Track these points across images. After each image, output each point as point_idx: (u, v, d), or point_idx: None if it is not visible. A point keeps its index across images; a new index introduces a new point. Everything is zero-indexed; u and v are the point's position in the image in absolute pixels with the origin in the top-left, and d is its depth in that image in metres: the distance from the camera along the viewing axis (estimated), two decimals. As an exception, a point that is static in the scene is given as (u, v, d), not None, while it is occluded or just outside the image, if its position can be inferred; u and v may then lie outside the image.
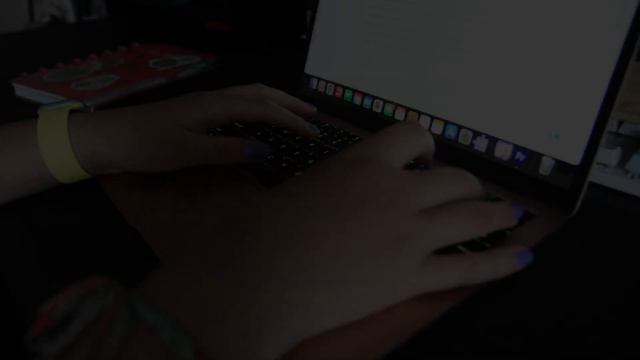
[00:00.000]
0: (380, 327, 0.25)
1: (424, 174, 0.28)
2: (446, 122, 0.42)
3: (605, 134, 0.32)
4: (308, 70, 0.57)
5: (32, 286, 0.33)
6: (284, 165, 0.43)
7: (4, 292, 0.34)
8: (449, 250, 0.27)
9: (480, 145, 0.39)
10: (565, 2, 0.34)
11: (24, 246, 0.36)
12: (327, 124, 0.51)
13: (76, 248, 0.35)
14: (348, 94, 0.51)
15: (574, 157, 0.34)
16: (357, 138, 0.47)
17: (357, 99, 0.50)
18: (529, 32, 0.36)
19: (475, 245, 0.31)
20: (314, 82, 0.56)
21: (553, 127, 0.35)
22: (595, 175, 0.39)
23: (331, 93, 0.53)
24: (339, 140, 0.47)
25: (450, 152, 0.41)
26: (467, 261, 0.27)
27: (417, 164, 0.36)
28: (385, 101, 0.48)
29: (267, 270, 0.23)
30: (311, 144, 0.46)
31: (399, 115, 0.46)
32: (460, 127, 0.41)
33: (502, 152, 0.38)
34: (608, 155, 0.39)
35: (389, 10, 0.47)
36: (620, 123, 0.43)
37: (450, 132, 0.42)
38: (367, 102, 0.49)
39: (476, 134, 0.40)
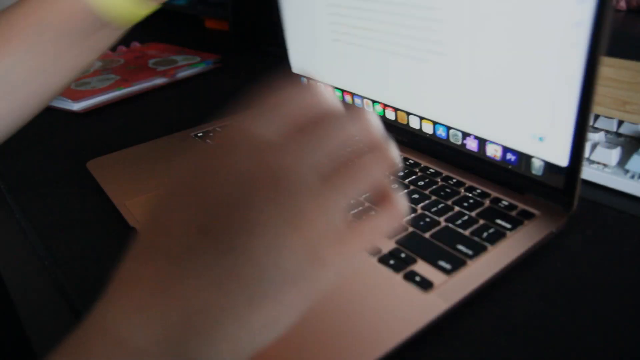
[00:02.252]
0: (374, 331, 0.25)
1: None
2: (435, 122, 0.42)
3: (587, 133, 0.31)
4: (296, 70, 0.56)
5: (32, 286, 0.33)
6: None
7: (3, 292, 0.34)
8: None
9: (471, 145, 0.39)
10: (525, 4, 0.32)
11: (23, 247, 0.36)
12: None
13: (76, 248, 0.35)
14: (337, 93, 0.51)
15: (562, 159, 0.33)
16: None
17: (348, 98, 0.50)
18: (497, 34, 0.35)
19: (475, 247, 0.31)
20: (305, 82, 0.56)
21: (535, 129, 0.34)
22: (595, 175, 0.39)
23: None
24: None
25: (444, 151, 0.41)
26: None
27: None
28: (374, 101, 0.47)
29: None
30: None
31: (390, 114, 0.46)
32: (448, 128, 0.41)
33: (493, 152, 0.38)
34: (608, 155, 0.39)
35: (349, 9, 0.46)
36: (620, 123, 0.43)
37: (441, 132, 0.42)
38: (357, 101, 0.49)
39: (465, 134, 0.39)
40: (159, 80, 0.70)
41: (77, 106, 0.60)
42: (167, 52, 0.81)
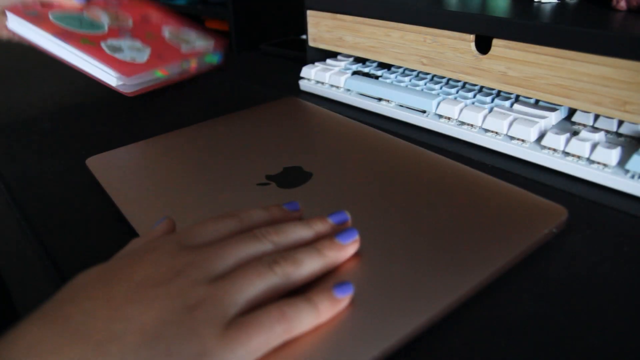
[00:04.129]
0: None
1: (209, 245, 0.27)
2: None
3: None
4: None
5: (31, 286, 0.33)
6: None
7: (4, 292, 0.34)
8: None
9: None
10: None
11: (24, 248, 0.36)
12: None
13: (76, 248, 0.35)
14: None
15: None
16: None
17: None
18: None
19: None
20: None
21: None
22: (595, 175, 0.39)
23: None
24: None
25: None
26: (276, 311, 0.24)
27: None
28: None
29: None
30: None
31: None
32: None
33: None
34: (608, 155, 0.39)
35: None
36: (620, 123, 0.43)
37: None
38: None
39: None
40: (185, 65, 0.61)
41: (128, 85, 0.50)
42: (172, 22, 0.69)
